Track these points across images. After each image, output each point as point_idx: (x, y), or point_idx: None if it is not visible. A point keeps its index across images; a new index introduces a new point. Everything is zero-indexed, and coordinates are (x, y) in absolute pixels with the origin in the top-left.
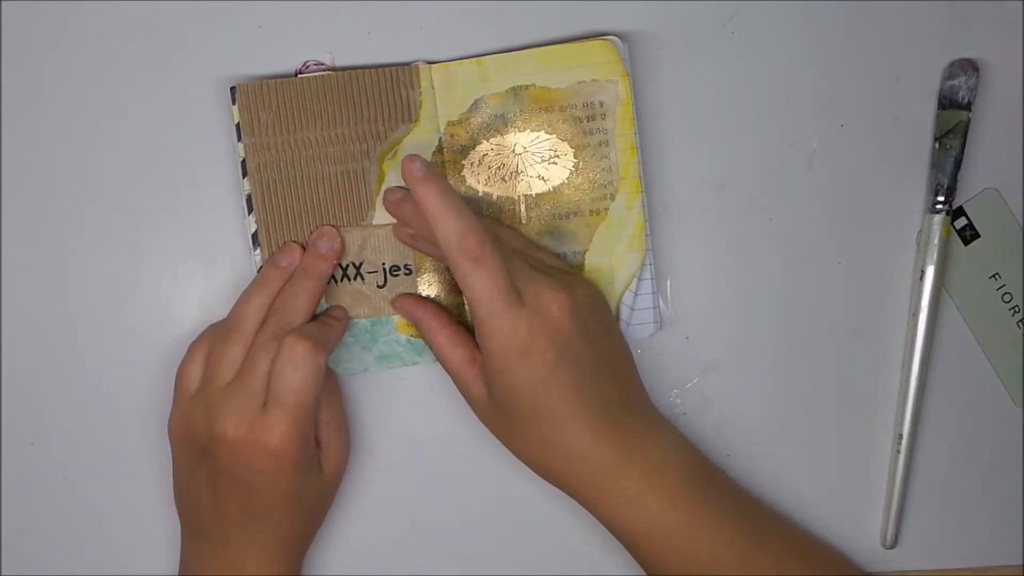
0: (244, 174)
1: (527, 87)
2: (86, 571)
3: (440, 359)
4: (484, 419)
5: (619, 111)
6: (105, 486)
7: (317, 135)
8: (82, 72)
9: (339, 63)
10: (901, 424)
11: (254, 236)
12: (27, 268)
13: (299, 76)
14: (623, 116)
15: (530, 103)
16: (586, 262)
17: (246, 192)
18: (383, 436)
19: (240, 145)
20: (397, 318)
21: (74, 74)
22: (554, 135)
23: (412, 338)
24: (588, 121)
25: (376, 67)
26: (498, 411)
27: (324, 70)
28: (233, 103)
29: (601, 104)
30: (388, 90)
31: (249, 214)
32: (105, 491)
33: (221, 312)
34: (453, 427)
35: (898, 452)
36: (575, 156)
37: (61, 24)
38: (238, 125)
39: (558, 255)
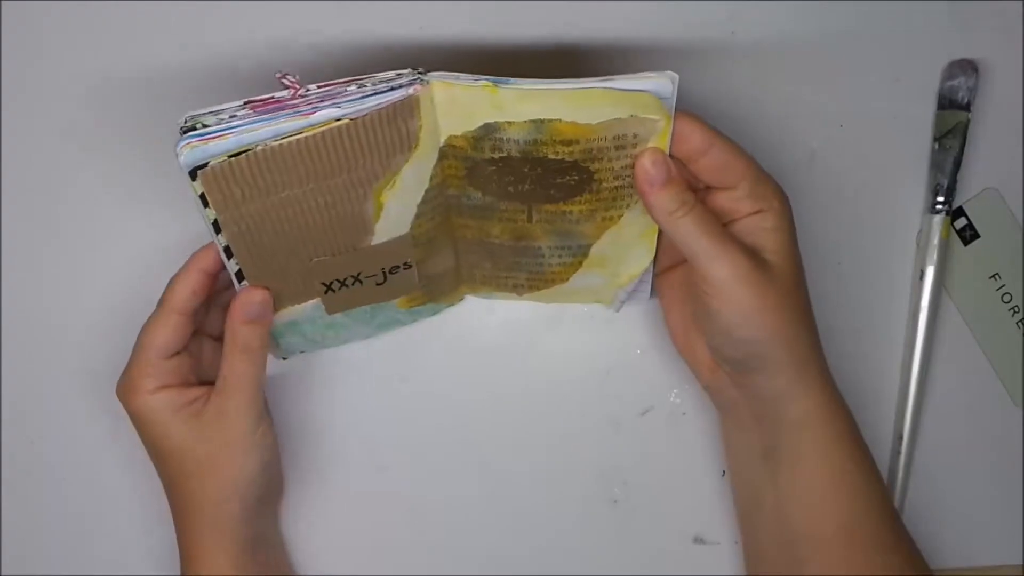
0: (217, 231)
1: (551, 121)
2: (86, 571)
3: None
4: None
5: (654, 140)
6: (105, 486)
7: (304, 191)
8: (84, 72)
9: (334, 56)
10: (901, 424)
11: (238, 273)
12: (27, 268)
13: (277, 143)
14: (657, 144)
15: (552, 135)
16: (591, 252)
17: (223, 244)
18: (385, 436)
19: (208, 211)
20: (397, 300)
21: (76, 75)
22: (576, 159)
23: (412, 308)
24: (617, 149)
25: (370, 80)
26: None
27: (293, 83)
28: (194, 180)
29: (635, 136)
30: (384, 130)
31: (229, 259)
32: (105, 491)
33: None
34: (455, 427)
35: (898, 452)
36: (595, 176)
37: (62, 23)
38: (203, 195)
39: (563, 248)
